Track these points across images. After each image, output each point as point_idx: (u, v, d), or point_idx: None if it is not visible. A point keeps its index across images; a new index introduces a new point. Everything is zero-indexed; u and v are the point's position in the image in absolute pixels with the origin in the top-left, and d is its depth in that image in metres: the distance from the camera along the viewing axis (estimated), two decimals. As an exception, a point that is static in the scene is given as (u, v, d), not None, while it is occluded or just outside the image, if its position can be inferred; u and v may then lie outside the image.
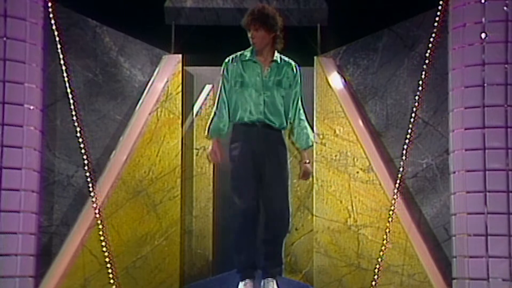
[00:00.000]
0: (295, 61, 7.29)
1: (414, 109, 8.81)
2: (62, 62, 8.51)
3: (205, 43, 9.17)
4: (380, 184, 9.04)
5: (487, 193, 7.83)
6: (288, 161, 7.27)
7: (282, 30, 7.15)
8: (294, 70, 7.27)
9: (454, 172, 8.14)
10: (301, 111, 7.38)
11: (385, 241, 8.80)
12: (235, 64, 7.19)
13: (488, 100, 7.91)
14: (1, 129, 7.79)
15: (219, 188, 9.34)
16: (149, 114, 9.25)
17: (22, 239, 7.81)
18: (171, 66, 9.49)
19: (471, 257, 7.86)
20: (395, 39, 9.31)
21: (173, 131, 9.43)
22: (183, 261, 9.69)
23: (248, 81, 7.12)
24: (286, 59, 7.29)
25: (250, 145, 7.00)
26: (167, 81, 9.43)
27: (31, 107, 7.99)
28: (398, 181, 8.83)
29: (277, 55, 7.21)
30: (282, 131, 7.24)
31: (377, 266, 8.82)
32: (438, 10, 8.55)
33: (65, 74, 8.57)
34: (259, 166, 6.97)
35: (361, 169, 9.26)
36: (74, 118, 8.61)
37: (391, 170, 9.01)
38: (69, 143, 8.74)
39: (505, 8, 8.05)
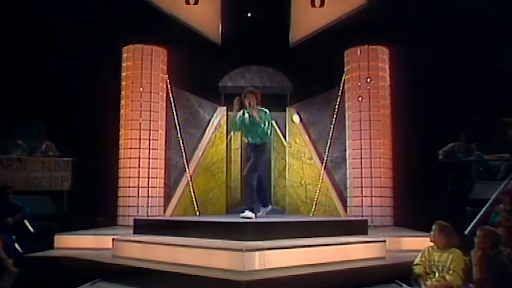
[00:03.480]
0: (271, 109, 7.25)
1: (331, 131, 9.51)
2: (174, 111, 9.28)
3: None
4: (316, 165, 9.77)
5: (362, 169, 8.97)
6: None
7: (260, 100, 7.17)
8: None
9: (348, 159, 9.17)
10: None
11: (318, 191, 9.66)
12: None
13: (363, 127, 9.01)
14: (148, 142, 8.85)
15: (243, 167, 9.11)
16: (212, 133, 9.97)
17: (158, 190, 8.95)
18: (222, 111, 10.22)
19: (354, 196, 9.00)
20: (323, 99, 9.86)
21: (222, 141, 10.20)
22: (228, 200, 10.44)
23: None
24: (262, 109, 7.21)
25: None
26: (220, 119, 10.16)
27: (161, 132, 9.09)
28: (324, 163, 9.62)
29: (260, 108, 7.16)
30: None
31: (314, 203, 9.69)
32: (341, 86, 9.34)
33: (175, 117, 9.30)
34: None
35: (308, 158, 9.99)
36: (179, 135, 9.33)
37: (321, 158, 9.68)
38: (176, 147, 9.29)
39: (368, 86, 8.98)
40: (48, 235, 7.30)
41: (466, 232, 7.11)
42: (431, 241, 5.78)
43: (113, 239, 6.36)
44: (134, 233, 7.02)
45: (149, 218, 8.40)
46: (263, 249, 5.15)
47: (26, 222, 7.74)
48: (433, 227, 5.85)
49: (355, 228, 7.01)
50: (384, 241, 6.28)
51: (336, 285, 5.25)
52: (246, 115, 7.23)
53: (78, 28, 9.26)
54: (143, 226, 7.06)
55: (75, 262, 6.20)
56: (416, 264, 5.76)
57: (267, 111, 7.24)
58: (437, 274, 5.61)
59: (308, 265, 5.41)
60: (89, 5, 9.35)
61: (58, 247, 7.09)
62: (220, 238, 5.93)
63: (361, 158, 9.04)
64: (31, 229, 7.73)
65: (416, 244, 6.61)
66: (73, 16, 9.30)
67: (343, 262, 5.69)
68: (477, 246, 5.47)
